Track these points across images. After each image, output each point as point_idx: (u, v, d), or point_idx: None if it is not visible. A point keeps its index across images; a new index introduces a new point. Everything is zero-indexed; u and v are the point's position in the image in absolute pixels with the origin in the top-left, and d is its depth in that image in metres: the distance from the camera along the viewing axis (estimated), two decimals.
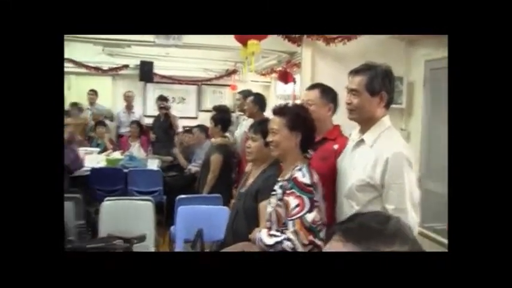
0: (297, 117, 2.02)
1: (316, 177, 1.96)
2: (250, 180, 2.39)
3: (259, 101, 4.15)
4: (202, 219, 2.94)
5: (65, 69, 7.40)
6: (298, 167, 1.95)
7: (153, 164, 5.17)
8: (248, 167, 2.67)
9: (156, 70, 7.57)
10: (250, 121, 4.19)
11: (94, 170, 4.69)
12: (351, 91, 1.96)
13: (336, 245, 1.03)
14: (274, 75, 6.75)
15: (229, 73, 8.01)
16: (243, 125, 4.54)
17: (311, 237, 1.84)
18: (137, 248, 2.88)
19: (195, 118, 7.82)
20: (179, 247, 2.94)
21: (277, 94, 7.40)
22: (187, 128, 5.94)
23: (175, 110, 6.54)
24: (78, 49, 6.62)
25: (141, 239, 2.98)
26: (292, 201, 1.88)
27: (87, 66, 7.50)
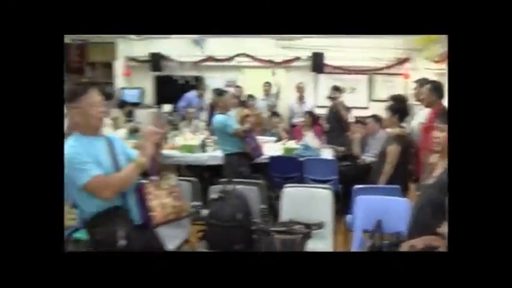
0: None
1: None
2: (438, 172, 2.27)
3: (437, 89, 3.89)
4: (381, 209, 2.89)
5: (240, 64, 8.05)
6: None
7: (327, 154, 5.26)
8: (433, 158, 2.54)
9: (326, 61, 7.68)
10: (427, 110, 3.97)
11: (272, 158, 4.95)
12: None
13: None
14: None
15: (401, 61, 7.70)
16: (419, 115, 4.33)
17: None
18: (315, 235, 2.97)
19: (366, 108, 7.68)
20: (357, 237, 2.95)
21: None
22: (359, 119, 5.88)
23: (346, 100, 6.51)
24: (253, 42, 7.10)
25: (320, 225, 3.06)
26: None
27: (260, 60, 7.99)
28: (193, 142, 5.51)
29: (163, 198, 2.05)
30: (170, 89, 8.31)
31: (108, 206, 1.96)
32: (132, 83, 8.81)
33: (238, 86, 7.62)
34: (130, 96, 8.64)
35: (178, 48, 8.08)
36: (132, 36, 7.73)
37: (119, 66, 8.74)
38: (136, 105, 7.83)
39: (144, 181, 2.06)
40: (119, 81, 8.74)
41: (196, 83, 8.06)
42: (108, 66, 8.89)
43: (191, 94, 7.70)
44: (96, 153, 1.98)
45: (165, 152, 4.73)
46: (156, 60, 8.19)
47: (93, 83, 8.87)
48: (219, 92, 4.82)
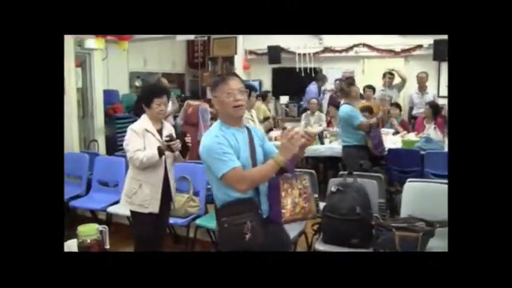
0: None
1: None
2: None
3: None
4: None
5: (358, 54, 7.89)
6: None
7: None
8: None
9: None
10: None
11: (391, 151, 4.84)
12: None
13: None
14: None
15: None
16: None
17: None
18: (439, 233, 2.86)
19: None
20: None
21: None
22: None
23: None
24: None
25: (444, 224, 2.92)
26: None
27: (379, 50, 7.77)
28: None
29: (295, 198, 2.07)
30: (287, 81, 8.49)
31: (242, 197, 2.01)
32: (250, 76, 9.16)
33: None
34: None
35: (297, 40, 8.20)
36: None
37: (238, 60, 9.13)
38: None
39: (281, 177, 2.08)
40: (239, 74, 9.13)
41: (315, 75, 8.12)
42: (228, 60, 9.34)
43: (313, 86, 7.78)
44: (237, 145, 2.03)
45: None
46: (274, 53, 8.41)
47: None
48: (350, 82, 4.76)
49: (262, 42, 8.50)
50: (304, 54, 8.22)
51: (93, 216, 4.64)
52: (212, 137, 2.00)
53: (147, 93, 3.00)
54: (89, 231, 1.89)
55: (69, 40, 5.05)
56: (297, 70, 8.13)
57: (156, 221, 2.88)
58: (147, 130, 2.87)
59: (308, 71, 8.21)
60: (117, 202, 4.20)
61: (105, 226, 1.97)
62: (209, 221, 3.50)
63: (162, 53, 8.40)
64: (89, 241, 1.88)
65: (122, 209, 4.03)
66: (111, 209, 4.13)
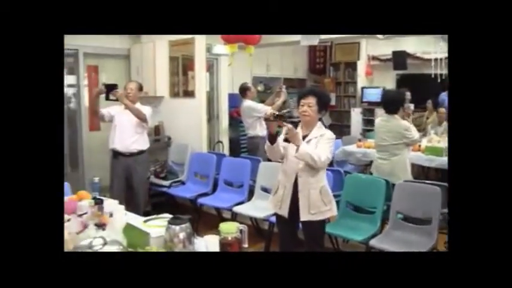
0: None
1: None
2: None
3: None
4: None
5: None
6: None
7: None
8: None
9: None
10: None
11: None
12: None
13: None
14: None
15: None
16: None
17: None
18: None
19: None
20: None
21: None
22: None
23: None
24: None
25: None
26: None
27: None
28: (439, 145, 5.25)
29: None
30: (413, 87, 8.06)
31: None
32: (373, 83, 8.90)
33: None
34: (370, 95, 8.75)
35: (423, 45, 7.78)
36: (378, 36, 7.78)
37: (361, 66, 8.93)
38: (378, 104, 7.86)
39: None
40: (361, 80, 8.94)
41: (442, 81, 7.61)
42: (351, 66, 9.19)
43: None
44: None
45: (412, 153, 4.61)
46: (399, 58, 8.06)
47: (337, 83, 9.36)
48: None
49: (386, 47, 8.21)
50: (436, 59, 7.72)
51: (217, 214, 4.83)
52: None
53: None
54: (230, 229, 1.95)
55: (202, 46, 5.34)
56: (433, 76, 7.64)
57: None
58: None
59: (443, 77, 7.69)
60: (241, 202, 4.34)
61: (244, 225, 2.01)
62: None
63: (284, 59, 8.51)
64: (229, 238, 1.93)
65: (245, 209, 4.16)
66: (237, 209, 4.24)
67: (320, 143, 2.78)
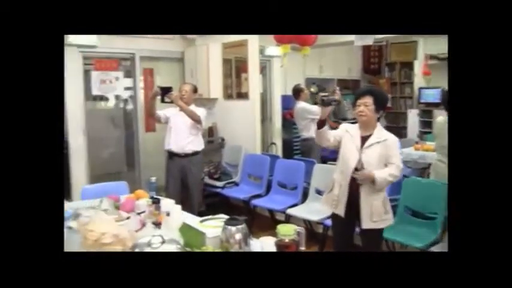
0: None
1: None
2: None
3: None
4: None
5: None
6: None
7: None
8: None
9: None
10: None
11: None
12: None
13: None
14: None
15: None
16: None
17: None
18: None
19: None
20: None
21: None
22: None
23: None
24: None
25: None
26: None
27: None
28: None
29: None
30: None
31: None
32: (430, 83, 8.58)
33: None
34: (428, 96, 8.45)
35: None
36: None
37: (418, 66, 8.64)
38: (436, 105, 7.58)
39: None
40: (418, 80, 8.65)
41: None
42: (407, 66, 8.90)
43: None
44: None
45: None
46: None
47: (393, 83, 9.11)
48: None
49: (444, 45, 7.86)
50: None
51: (270, 216, 4.81)
52: None
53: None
54: (287, 231, 1.95)
55: (255, 48, 5.35)
56: None
57: None
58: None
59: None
60: (295, 205, 4.29)
61: (302, 228, 1.98)
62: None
63: (337, 59, 8.36)
64: (287, 240, 1.91)
65: (299, 212, 4.11)
66: (290, 211, 4.20)
67: (387, 151, 2.72)
